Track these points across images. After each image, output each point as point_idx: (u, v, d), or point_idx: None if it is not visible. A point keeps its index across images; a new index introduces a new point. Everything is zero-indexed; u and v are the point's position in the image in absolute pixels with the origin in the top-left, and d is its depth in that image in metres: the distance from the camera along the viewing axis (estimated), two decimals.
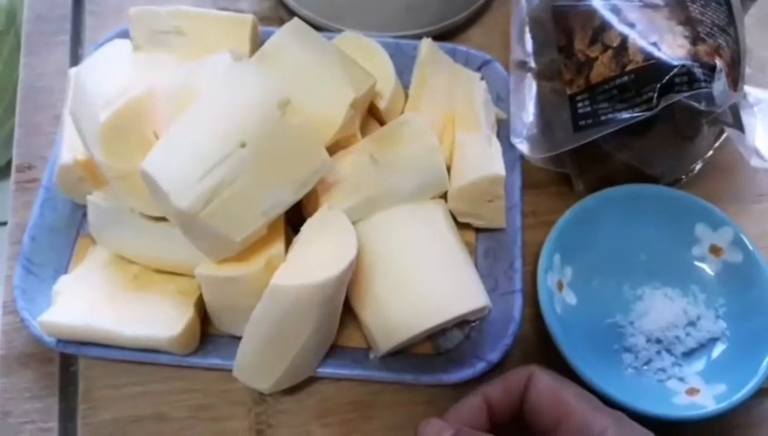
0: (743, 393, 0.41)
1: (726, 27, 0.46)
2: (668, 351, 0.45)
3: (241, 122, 0.38)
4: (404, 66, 0.52)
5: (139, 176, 0.39)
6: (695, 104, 0.42)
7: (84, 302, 0.43)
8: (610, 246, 0.48)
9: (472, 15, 0.58)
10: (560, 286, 0.46)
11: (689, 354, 0.45)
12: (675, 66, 0.42)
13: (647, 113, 0.43)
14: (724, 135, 0.50)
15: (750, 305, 0.45)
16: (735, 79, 0.45)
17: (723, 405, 0.41)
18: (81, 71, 0.43)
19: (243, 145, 0.37)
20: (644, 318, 0.46)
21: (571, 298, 0.47)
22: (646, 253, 0.49)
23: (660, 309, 0.46)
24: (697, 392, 0.43)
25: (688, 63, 0.42)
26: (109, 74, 0.42)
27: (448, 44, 0.54)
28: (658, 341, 0.45)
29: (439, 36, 0.57)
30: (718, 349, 0.45)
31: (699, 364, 0.45)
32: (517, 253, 0.47)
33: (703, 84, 0.42)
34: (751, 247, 0.46)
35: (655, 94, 0.42)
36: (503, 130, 0.52)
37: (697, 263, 0.48)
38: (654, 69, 0.43)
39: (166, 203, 0.37)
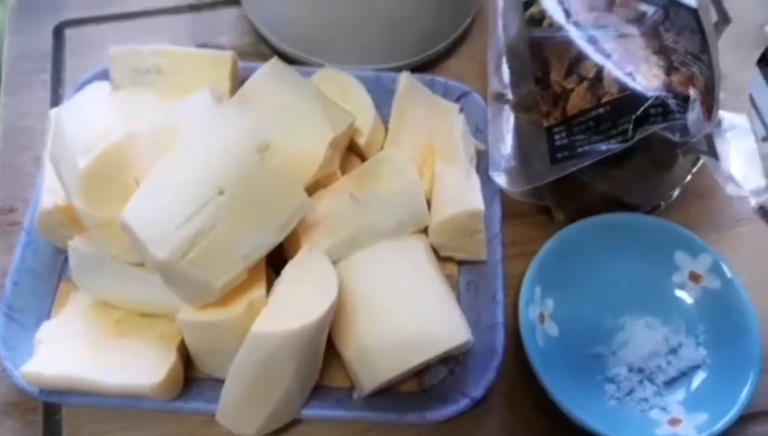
0: (723, 423, 0.41)
1: (700, 54, 0.46)
2: (650, 380, 0.45)
3: (220, 168, 0.38)
4: (384, 99, 0.52)
5: (119, 224, 0.39)
6: (670, 136, 0.42)
7: (67, 350, 0.43)
8: (590, 276, 0.48)
9: (451, 46, 0.59)
10: (542, 318, 0.46)
11: (671, 383, 0.45)
12: (650, 98, 0.42)
13: (624, 145, 0.43)
14: (701, 161, 0.51)
15: (729, 332, 0.45)
16: (710, 106, 0.45)
17: (705, 435, 0.41)
18: (60, 115, 0.43)
19: (222, 192, 0.37)
20: (625, 348, 0.46)
21: (553, 329, 0.47)
22: (627, 282, 0.49)
23: (641, 338, 0.46)
24: (679, 423, 0.43)
25: (662, 94, 0.43)
26: (88, 120, 0.42)
27: (427, 76, 0.54)
28: (640, 371, 0.45)
29: (419, 67, 0.57)
30: (699, 377, 0.45)
31: (681, 393, 0.45)
32: (499, 286, 0.47)
33: (677, 115, 0.42)
34: (729, 274, 0.46)
35: (631, 126, 0.43)
36: (483, 161, 0.52)
37: (677, 291, 0.48)
38: (629, 100, 0.43)
39: (145, 253, 0.37)
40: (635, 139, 0.42)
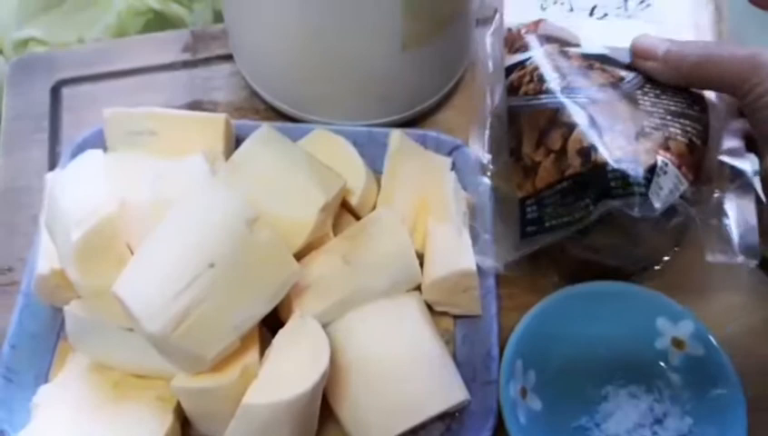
0: None
1: (687, 109, 0.44)
2: None
3: (210, 242, 0.38)
4: (377, 153, 0.53)
5: (113, 294, 0.40)
6: (629, 211, 0.40)
7: (64, 415, 0.43)
8: (572, 346, 0.48)
9: (442, 99, 0.60)
10: (524, 392, 0.46)
11: None
12: (610, 171, 0.41)
13: (585, 221, 0.42)
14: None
15: (715, 403, 0.45)
16: (697, 162, 0.43)
17: None
18: (54, 185, 0.44)
19: (212, 266, 0.38)
20: (609, 419, 0.46)
21: (536, 403, 0.46)
22: (609, 351, 0.48)
23: (626, 409, 0.45)
24: None
25: (623, 166, 0.40)
26: (81, 190, 0.43)
27: (419, 131, 0.55)
28: None
29: (411, 121, 0.58)
30: None
31: None
32: (494, 341, 0.47)
33: (636, 189, 0.40)
34: (713, 340, 0.46)
35: (591, 201, 0.41)
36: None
37: (660, 359, 0.48)
38: (590, 174, 0.41)
39: (137, 326, 0.38)
40: (595, 215, 0.41)
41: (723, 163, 0.46)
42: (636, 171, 0.41)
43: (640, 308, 0.48)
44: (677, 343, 0.47)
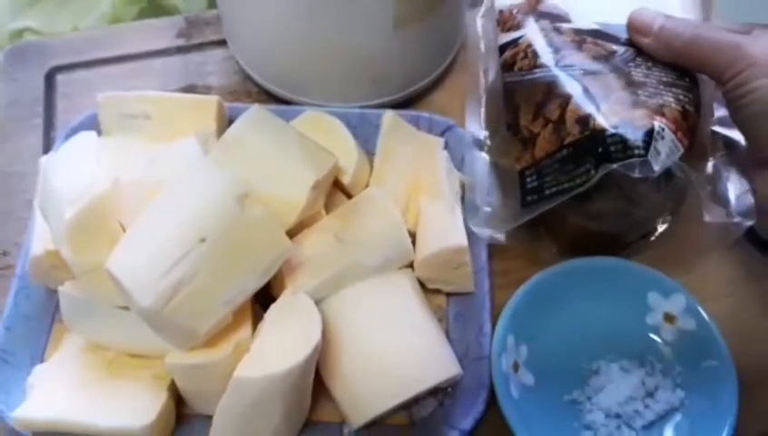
0: None
1: (678, 79, 0.45)
2: (628, 425, 0.45)
3: (201, 218, 0.39)
4: (370, 134, 0.53)
5: (106, 271, 0.40)
6: (629, 173, 0.42)
7: (59, 393, 0.43)
8: (564, 321, 0.48)
9: (434, 81, 0.60)
10: (516, 367, 0.46)
11: (649, 427, 0.45)
12: (609, 136, 0.42)
13: (586, 185, 0.43)
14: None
15: (707, 375, 0.45)
16: (690, 129, 0.44)
17: None
18: (47, 166, 0.45)
19: (203, 240, 0.38)
20: (601, 393, 0.46)
21: (528, 378, 0.47)
22: (601, 325, 0.48)
23: (617, 382, 0.46)
24: None
25: (621, 130, 0.42)
26: (74, 170, 0.44)
27: (412, 112, 0.55)
28: (617, 416, 0.45)
29: (403, 102, 0.58)
30: (678, 420, 0.45)
31: None
32: (486, 318, 0.48)
33: (635, 151, 0.41)
34: (704, 314, 0.46)
35: (592, 166, 0.42)
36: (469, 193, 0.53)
37: (652, 333, 0.48)
38: (589, 140, 0.43)
39: (130, 301, 0.38)
40: (597, 178, 0.42)
41: (715, 133, 0.47)
42: (635, 135, 0.42)
43: (631, 283, 0.48)
44: (669, 318, 0.48)
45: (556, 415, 0.46)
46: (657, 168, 0.41)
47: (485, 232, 0.49)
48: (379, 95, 0.56)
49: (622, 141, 0.42)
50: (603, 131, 0.42)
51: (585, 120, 0.43)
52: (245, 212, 0.39)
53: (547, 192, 0.45)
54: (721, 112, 0.47)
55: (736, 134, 0.47)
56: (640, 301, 0.48)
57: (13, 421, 0.43)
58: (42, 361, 0.47)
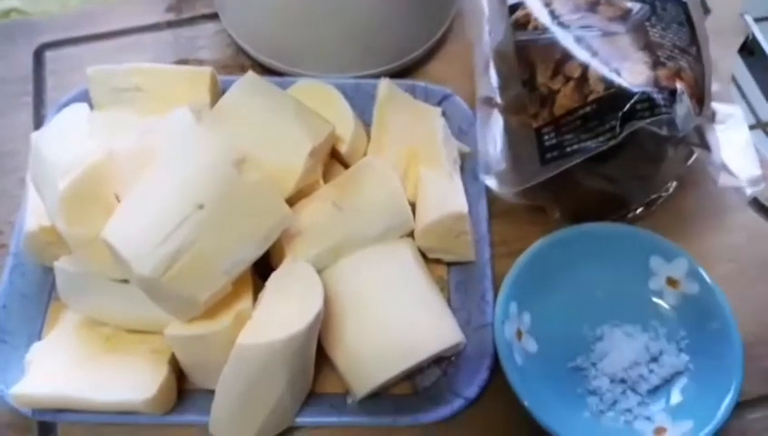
0: (709, 429, 0.41)
1: (688, 47, 0.46)
2: (633, 390, 0.45)
3: (198, 184, 0.38)
4: (365, 105, 0.53)
5: (102, 242, 0.39)
6: (657, 130, 0.42)
7: (57, 369, 0.43)
8: (566, 287, 0.48)
9: (430, 50, 0.59)
10: (519, 334, 0.46)
11: (654, 391, 0.45)
12: (636, 93, 0.42)
13: (612, 142, 0.43)
14: (696, 154, 0.50)
15: (711, 338, 0.45)
16: (700, 99, 0.45)
17: None
18: (39, 138, 0.44)
19: (201, 207, 0.38)
20: (605, 359, 0.45)
21: (531, 345, 0.46)
22: (604, 291, 0.48)
23: (621, 348, 0.45)
24: (665, 432, 0.42)
25: (648, 89, 0.43)
26: (66, 141, 0.43)
27: (408, 81, 0.55)
28: (622, 381, 0.45)
29: (399, 73, 0.57)
30: (683, 384, 0.45)
31: (665, 401, 0.44)
32: (488, 286, 0.47)
33: (663, 110, 0.42)
34: (707, 277, 0.46)
35: (618, 123, 0.43)
36: (467, 162, 0.52)
37: (655, 297, 0.48)
38: (615, 97, 0.43)
39: (128, 270, 0.38)
40: (623, 135, 0.42)
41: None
42: (661, 94, 0.42)
43: (633, 248, 0.48)
44: (672, 282, 0.47)
45: (561, 382, 0.45)
46: (681, 127, 0.42)
47: (495, 184, 0.48)
48: (374, 65, 0.56)
49: (648, 99, 0.42)
50: (629, 88, 0.43)
51: (609, 77, 0.44)
52: (242, 177, 0.38)
53: (568, 149, 0.44)
54: (717, 87, 0.48)
55: (734, 108, 0.49)
56: (642, 265, 0.48)
57: (12, 399, 0.42)
58: (39, 339, 0.47)
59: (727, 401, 0.41)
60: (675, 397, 0.45)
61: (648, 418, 0.44)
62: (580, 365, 0.46)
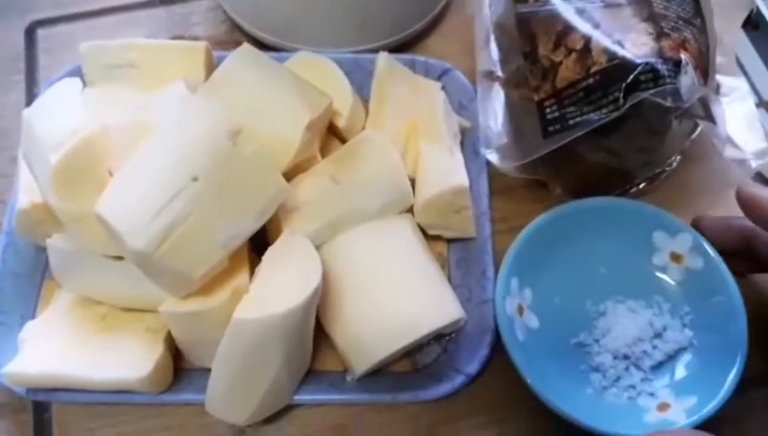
0: (713, 405, 0.40)
1: (692, 19, 0.46)
2: (636, 366, 0.44)
3: (192, 156, 0.37)
4: (363, 81, 0.52)
5: (95, 218, 0.38)
6: (661, 101, 0.42)
7: (51, 348, 0.42)
8: (568, 263, 0.47)
9: (429, 25, 0.58)
10: (520, 310, 0.45)
11: (657, 367, 0.44)
12: (639, 64, 0.42)
13: (615, 114, 0.42)
14: (700, 127, 0.50)
15: (715, 314, 0.44)
16: (705, 70, 0.45)
17: (695, 419, 0.40)
18: (30, 113, 0.43)
19: (196, 179, 0.37)
20: (608, 335, 0.45)
21: (533, 321, 0.46)
22: (606, 267, 0.47)
23: (624, 323, 0.45)
24: (668, 408, 0.42)
25: (652, 60, 0.42)
26: (58, 115, 0.42)
27: (407, 56, 0.53)
28: (625, 357, 0.44)
29: (397, 48, 0.56)
30: (686, 359, 0.44)
31: (668, 377, 0.44)
32: (489, 262, 0.46)
33: (667, 81, 0.42)
34: (711, 252, 0.45)
35: (621, 94, 0.42)
36: (468, 138, 0.51)
37: (659, 273, 0.47)
38: (618, 69, 0.42)
39: (122, 245, 0.37)
40: (626, 106, 0.42)
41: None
42: (665, 64, 0.42)
43: (637, 223, 0.47)
44: (675, 257, 0.47)
45: (563, 358, 0.45)
46: (686, 97, 0.41)
47: (496, 158, 0.48)
48: (372, 39, 0.55)
49: (652, 70, 0.42)
50: (632, 59, 0.42)
51: (612, 49, 0.43)
52: (238, 149, 0.37)
53: (571, 121, 0.44)
54: (719, 60, 0.48)
55: (738, 81, 0.48)
56: (646, 241, 0.47)
57: (5, 377, 0.41)
58: (33, 319, 0.46)
59: (732, 375, 0.41)
60: (679, 373, 0.44)
61: (652, 394, 0.43)
62: (583, 341, 0.46)
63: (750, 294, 0.44)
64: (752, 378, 0.45)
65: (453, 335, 0.46)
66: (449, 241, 0.49)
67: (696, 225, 0.46)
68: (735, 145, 0.45)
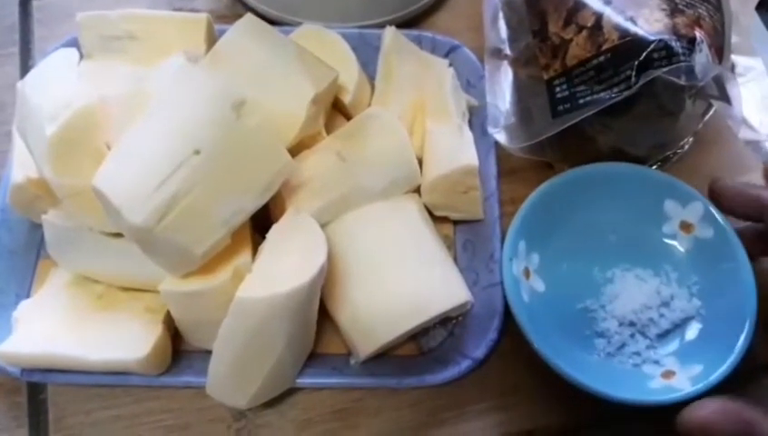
0: (718, 374, 0.39)
1: None
2: (642, 333, 0.44)
3: (194, 128, 0.35)
4: (369, 57, 0.50)
5: (92, 192, 0.37)
6: (675, 79, 0.40)
7: (46, 327, 0.41)
8: (577, 229, 0.46)
9: (437, 0, 0.56)
10: (527, 273, 0.44)
11: (663, 336, 0.44)
12: (652, 41, 0.41)
13: (627, 93, 0.41)
14: (714, 109, 0.49)
15: (723, 281, 0.43)
16: (720, 49, 0.44)
17: (700, 387, 0.39)
18: (25, 84, 0.41)
19: (197, 152, 0.35)
20: (615, 301, 0.44)
21: (539, 285, 0.45)
22: (615, 234, 0.47)
23: (632, 291, 0.44)
24: (673, 375, 0.41)
25: (665, 37, 0.41)
26: (54, 86, 0.40)
27: (414, 32, 0.52)
28: (631, 324, 0.44)
29: (404, 24, 0.55)
30: (693, 328, 0.43)
31: (674, 346, 0.43)
32: (497, 245, 0.45)
33: (682, 58, 0.40)
34: (722, 221, 0.44)
35: (633, 72, 0.41)
36: (476, 117, 0.50)
37: (668, 241, 0.46)
38: (630, 46, 0.41)
39: (120, 220, 0.35)
40: (639, 85, 0.41)
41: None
42: (679, 42, 0.41)
43: (648, 190, 0.46)
44: (685, 226, 0.46)
45: (569, 322, 0.44)
46: (701, 76, 0.40)
47: (504, 138, 0.47)
48: (378, 14, 0.53)
49: (666, 47, 0.40)
50: (645, 36, 0.41)
51: (624, 25, 0.42)
52: (241, 121, 0.36)
53: (581, 101, 0.43)
54: (737, 39, 0.47)
55: (755, 61, 0.47)
56: (657, 209, 0.46)
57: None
58: (28, 297, 0.45)
59: (739, 345, 0.40)
60: (685, 342, 0.43)
61: (656, 362, 0.43)
62: (589, 307, 0.45)
63: (763, 277, 0.43)
64: (764, 365, 0.45)
65: (460, 319, 0.45)
66: (456, 222, 0.48)
67: (712, 187, 0.44)
68: (750, 127, 0.44)
